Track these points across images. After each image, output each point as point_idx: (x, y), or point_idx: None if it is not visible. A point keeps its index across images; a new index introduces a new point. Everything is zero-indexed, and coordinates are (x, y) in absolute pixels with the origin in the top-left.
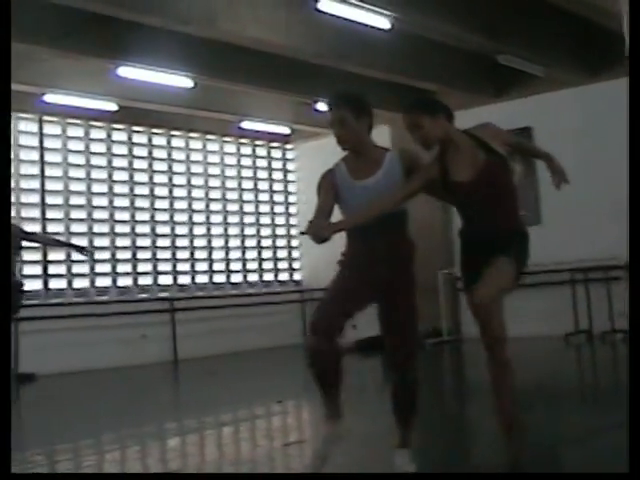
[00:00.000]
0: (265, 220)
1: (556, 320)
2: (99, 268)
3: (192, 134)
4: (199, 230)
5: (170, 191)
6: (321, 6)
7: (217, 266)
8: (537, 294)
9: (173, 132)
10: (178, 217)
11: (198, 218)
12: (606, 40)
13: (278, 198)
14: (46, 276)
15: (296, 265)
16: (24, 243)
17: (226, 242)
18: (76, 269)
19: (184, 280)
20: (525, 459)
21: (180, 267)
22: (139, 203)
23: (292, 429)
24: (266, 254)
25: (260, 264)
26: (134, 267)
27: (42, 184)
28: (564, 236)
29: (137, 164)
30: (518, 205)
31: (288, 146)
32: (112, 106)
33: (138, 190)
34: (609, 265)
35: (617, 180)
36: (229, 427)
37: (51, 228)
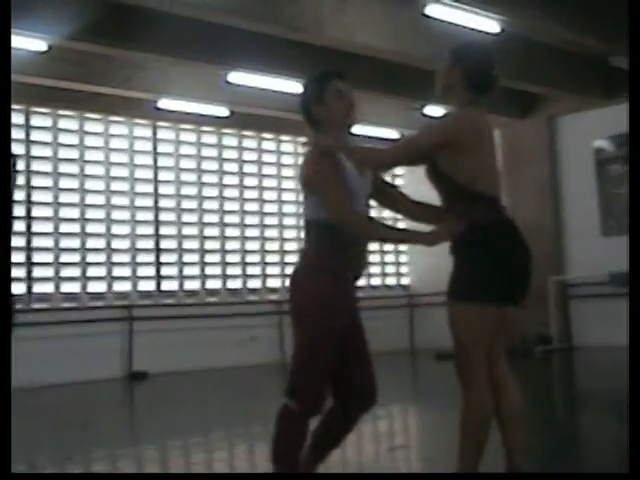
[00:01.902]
0: None
1: None
2: (209, 270)
3: (301, 139)
4: None
5: (279, 195)
6: (429, 11)
7: None
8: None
9: (282, 137)
10: (287, 221)
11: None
12: None
13: None
14: (159, 277)
15: (403, 270)
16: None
17: None
18: (187, 271)
19: None
20: None
21: (288, 270)
22: (248, 207)
23: (397, 433)
24: (373, 258)
25: (368, 268)
26: (243, 269)
27: (155, 188)
28: None
29: (246, 168)
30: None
31: None
32: (223, 111)
33: (247, 194)
34: None
35: None
36: None
37: (164, 230)
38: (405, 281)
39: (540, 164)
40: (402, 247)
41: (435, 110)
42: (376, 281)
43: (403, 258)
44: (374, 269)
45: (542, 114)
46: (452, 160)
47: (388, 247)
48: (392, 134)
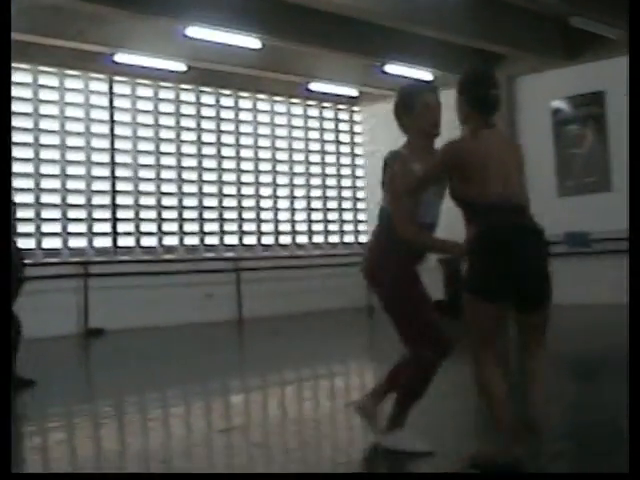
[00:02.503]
0: (331, 182)
1: (623, 289)
2: (167, 227)
3: (259, 95)
4: (265, 191)
5: (237, 152)
6: None
7: (283, 227)
8: (608, 262)
9: (241, 93)
10: (245, 178)
11: (264, 179)
12: None
13: (345, 160)
14: (115, 234)
15: (362, 227)
16: None
17: (292, 203)
18: (145, 227)
19: (250, 240)
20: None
21: (246, 227)
22: (206, 163)
23: (355, 390)
24: (332, 216)
25: (326, 226)
26: (201, 226)
27: (112, 143)
28: None
29: (204, 125)
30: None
31: (355, 108)
32: (181, 66)
33: (205, 150)
34: None
35: None
36: (292, 386)
37: (120, 186)
38: (363, 239)
39: (498, 122)
40: (361, 205)
41: (395, 68)
42: (334, 239)
43: (362, 216)
44: (333, 227)
45: (502, 73)
46: (460, 177)
47: (347, 205)
48: (350, 91)
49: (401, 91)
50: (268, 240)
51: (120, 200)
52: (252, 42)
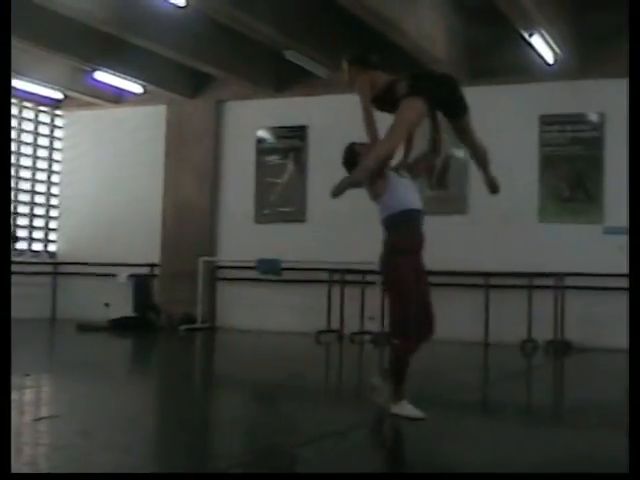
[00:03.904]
0: (25, 186)
1: (311, 317)
2: None
3: None
4: None
5: None
6: None
7: None
8: (295, 290)
9: None
10: None
11: None
12: (387, 50)
13: (41, 165)
14: None
15: (52, 236)
16: None
17: None
18: None
19: None
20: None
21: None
22: None
23: (41, 403)
24: (22, 221)
25: (14, 231)
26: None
27: None
28: (326, 236)
29: None
30: None
31: (58, 112)
32: None
33: None
34: (365, 269)
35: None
36: None
37: None
38: (52, 248)
39: (203, 146)
40: (54, 212)
41: (105, 76)
42: (22, 246)
43: (53, 224)
44: (21, 233)
45: (211, 96)
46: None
47: (39, 211)
48: (55, 94)
49: (345, 149)
50: None
51: None
52: None
